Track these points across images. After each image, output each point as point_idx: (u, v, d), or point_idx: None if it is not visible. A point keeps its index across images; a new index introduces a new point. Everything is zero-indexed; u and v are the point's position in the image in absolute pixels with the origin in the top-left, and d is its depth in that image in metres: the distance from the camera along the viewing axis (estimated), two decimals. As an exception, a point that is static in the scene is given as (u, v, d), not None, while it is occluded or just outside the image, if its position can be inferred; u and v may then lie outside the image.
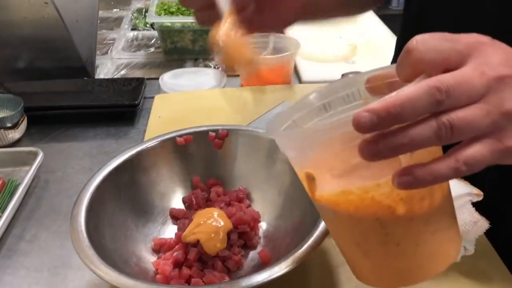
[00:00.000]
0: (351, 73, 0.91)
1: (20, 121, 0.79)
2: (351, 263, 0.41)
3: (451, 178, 0.32)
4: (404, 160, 0.32)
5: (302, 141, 0.35)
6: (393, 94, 0.30)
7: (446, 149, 0.33)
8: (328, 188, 0.37)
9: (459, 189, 0.54)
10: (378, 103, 0.30)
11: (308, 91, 1.02)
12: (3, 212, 0.62)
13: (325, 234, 0.46)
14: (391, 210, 0.34)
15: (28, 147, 0.75)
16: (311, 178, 0.37)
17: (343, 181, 0.36)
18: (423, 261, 0.37)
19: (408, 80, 0.33)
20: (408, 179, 0.31)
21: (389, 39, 1.24)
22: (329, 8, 0.72)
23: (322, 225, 0.47)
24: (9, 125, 0.77)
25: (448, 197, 0.37)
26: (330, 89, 0.42)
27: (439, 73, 0.32)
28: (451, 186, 0.47)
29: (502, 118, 0.32)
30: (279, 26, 0.66)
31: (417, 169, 0.31)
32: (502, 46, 0.35)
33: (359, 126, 0.30)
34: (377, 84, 0.38)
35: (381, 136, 0.30)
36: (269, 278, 0.42)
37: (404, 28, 0.74)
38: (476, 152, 0.32)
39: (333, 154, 0.35)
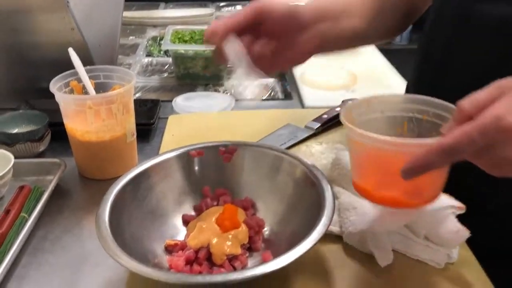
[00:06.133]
0: (351, 99, 0.98)
1: (45, 135, 0.85)
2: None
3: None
4: None
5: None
6: None
7: None
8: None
9: (443, 201, 0.59)
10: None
11: (310, 115, 1.09)
12: (29, 215, 0.68)
13: (318, 239, 0.51)
14: None
15: (51, 158, 0.82)
16: None
17: None
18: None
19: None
20: None
21: (388, 71, 1.32)
22: (349, 40, 0.70)
23: (315, 232, 0.52)
24: (35, 138, 0.84)
25: None
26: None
27: None
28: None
29: None
30: (297, 62, 0.66)
31: None
32: None
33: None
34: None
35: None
36: (267, 271, 0.48)
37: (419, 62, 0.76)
38: None
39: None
